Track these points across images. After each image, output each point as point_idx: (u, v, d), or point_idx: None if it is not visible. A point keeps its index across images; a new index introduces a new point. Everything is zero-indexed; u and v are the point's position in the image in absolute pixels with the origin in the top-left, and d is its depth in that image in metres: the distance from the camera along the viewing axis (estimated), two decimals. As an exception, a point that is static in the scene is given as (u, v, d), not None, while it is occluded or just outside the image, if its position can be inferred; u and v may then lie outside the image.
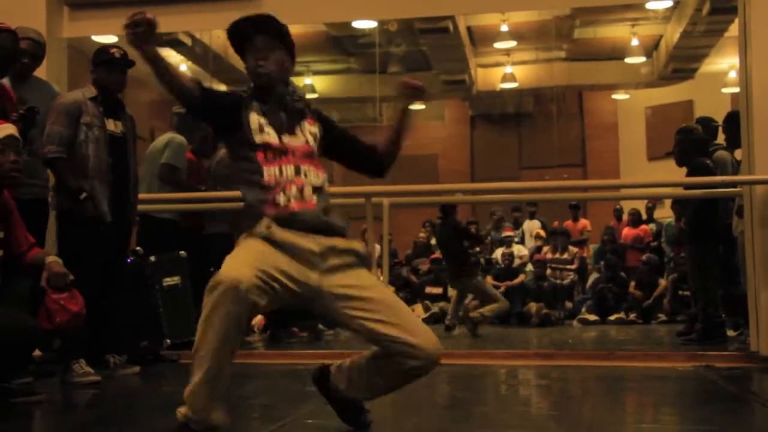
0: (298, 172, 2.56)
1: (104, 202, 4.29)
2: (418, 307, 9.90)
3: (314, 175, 2.59)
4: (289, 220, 2.47)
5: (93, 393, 3.79)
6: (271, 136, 2.58)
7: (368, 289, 2.48)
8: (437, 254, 11.20)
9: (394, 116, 2.81)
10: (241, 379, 4.30)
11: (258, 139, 2.57)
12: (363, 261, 2.55)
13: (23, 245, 3.46)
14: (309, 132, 2.66)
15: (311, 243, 2.45)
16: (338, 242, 2.51)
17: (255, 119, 2.59)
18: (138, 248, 5.23)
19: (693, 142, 6.10)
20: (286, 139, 2.60)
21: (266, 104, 2.63)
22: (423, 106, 15.75)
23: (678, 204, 7.50)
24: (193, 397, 2.29)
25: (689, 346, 5.78)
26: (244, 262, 2.31)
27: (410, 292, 10.31)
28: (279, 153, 2.56)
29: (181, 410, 2.31)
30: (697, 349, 5.29)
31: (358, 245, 2.57)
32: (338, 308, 2.46)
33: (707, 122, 6.48)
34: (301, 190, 2.53)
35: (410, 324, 2.45)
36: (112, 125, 4.41)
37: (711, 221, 5.95)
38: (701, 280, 6.07)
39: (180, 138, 5.84)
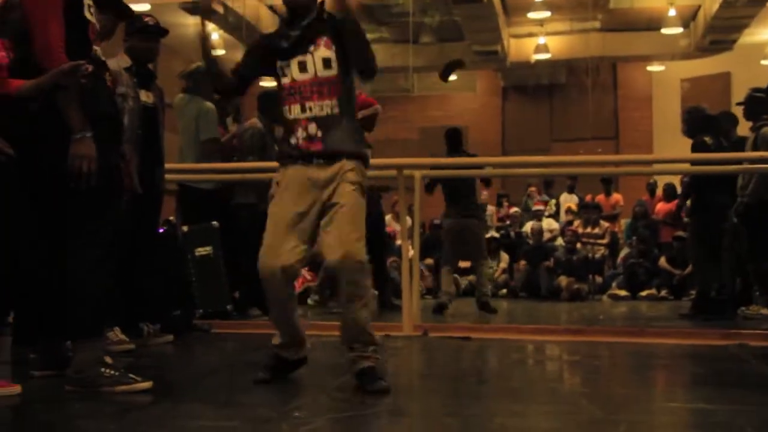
0: (303, 109, 2.84)
1: (136, 173, 4.31)
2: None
3: (318, 107, 2.82)
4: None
5: (126, 361, 3.84)
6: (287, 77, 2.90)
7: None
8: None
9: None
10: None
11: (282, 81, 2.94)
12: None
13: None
14: (321, 59, 2.84)
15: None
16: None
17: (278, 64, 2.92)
18: (171, 218, 5.26)
19: (697, 120, 6.20)
20: (297, 76, 2.86)
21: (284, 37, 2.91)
22: (455, 77, 15.65)
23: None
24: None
25: (687, 320, 5.92)
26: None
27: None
28: (290, 92, 2.89)
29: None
30: (699, 323, 5.46)
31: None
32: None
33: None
34: (305, 129, 2.84)
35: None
36: (144, 96, 4.43)
37: (711, 195, 5.94)
38: (699, 254, 6.11)
39: (208, 105, 5.54)
